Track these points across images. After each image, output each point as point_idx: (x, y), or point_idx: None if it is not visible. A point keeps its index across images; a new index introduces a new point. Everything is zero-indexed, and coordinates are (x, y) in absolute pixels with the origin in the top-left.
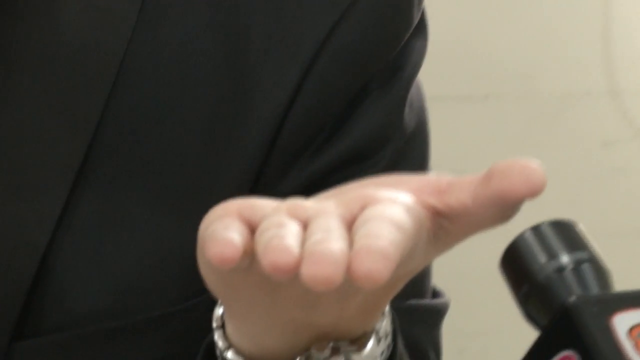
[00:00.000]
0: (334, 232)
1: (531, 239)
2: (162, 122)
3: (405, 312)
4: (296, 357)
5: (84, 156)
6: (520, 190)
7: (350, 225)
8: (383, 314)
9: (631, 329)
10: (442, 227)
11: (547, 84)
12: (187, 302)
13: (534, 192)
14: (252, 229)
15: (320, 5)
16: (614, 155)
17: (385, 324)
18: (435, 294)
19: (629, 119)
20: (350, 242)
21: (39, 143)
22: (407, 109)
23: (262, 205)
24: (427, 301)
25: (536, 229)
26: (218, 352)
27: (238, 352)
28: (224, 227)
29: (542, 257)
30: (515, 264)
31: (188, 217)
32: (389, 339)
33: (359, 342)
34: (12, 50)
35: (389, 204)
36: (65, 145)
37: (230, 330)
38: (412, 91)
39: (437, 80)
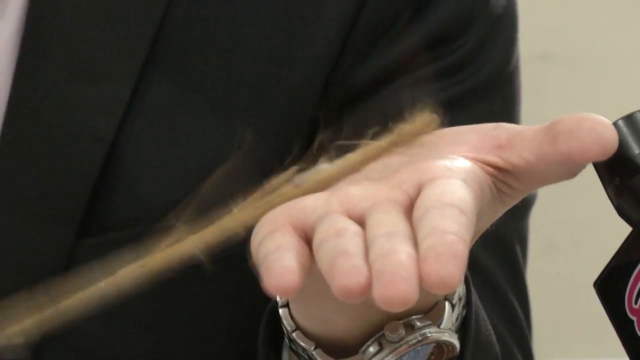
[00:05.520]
0: (398, 234)
1: (624, 129)
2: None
3: None
4: (368, 339)
5: (153, 40)
6: (591, 152)
7: (409, 210)
8: None
9: None
10: (506, 183)
11: None
12: None
13: (606, 153)
14: (306, 234)
15: None
16: None
17: (458, 288)
18: None
19: None
20: (415, 236)
21: (106, 25)
22: None
23: (312, 204)
24: None
25: (629, 118)
26: (284, 330)
27: (306, 333)
28: (277, 248)
29: (635, 149)
30: None
31: (260, 107)
32: (464, 300)
33: (433, 313)
34: None
35: (446, 179)
36: (134, 28)
37: (296, 313)
38: None
39: None
